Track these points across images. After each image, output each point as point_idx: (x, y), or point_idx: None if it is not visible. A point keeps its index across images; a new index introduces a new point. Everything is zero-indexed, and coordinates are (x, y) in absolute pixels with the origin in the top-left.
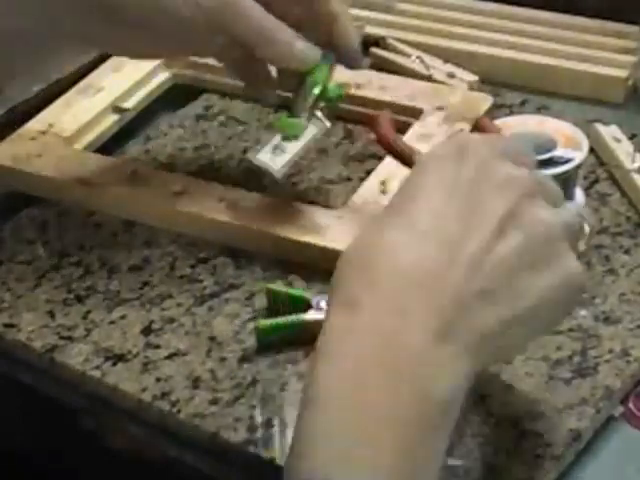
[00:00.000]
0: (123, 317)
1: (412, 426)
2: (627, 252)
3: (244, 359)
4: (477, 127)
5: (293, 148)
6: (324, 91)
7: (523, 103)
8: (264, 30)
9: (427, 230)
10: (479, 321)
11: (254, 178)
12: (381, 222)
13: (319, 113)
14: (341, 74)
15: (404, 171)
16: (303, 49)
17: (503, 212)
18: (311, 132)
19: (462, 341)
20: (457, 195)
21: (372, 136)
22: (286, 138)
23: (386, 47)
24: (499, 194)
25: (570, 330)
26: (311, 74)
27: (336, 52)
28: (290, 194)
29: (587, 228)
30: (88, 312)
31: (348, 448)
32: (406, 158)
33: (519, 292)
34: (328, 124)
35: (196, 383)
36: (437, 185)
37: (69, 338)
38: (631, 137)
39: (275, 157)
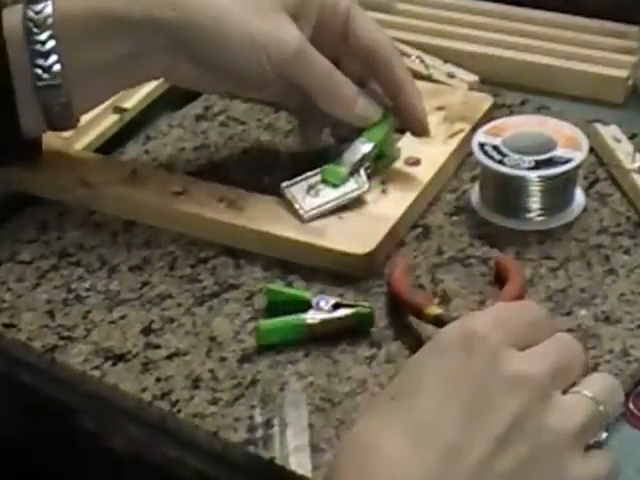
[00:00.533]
0: (123, 317)
1: None
2: (627, 252)
3: (244, 359)
4: (498, 268)
5: (326, 195)
6: (377, 150)
7: (523, 103)
8: (330, 84)
9: (427, 436)
10: None
11: (254, 178)
12: (381, 416)
13: (362, 171)
14: None
15: (404, 172)
16: (364, 107)
17: (509, 419)
18: (350, 187)
19: None
20: (462, 393)
21: None
22: (325, 181)
23: None
24: (506, 396)
25: (570, 330)
26: (367, 130)
27: (400, 119)
28: None
29: (612, 410)
30: (88, 312)
31: None
32: (415, 313)
33: None
34: (367, 186)
35: (196, 383)
36: (441, 380)
37: (69, 338)
38: (631, 137)
39: (307, 197)
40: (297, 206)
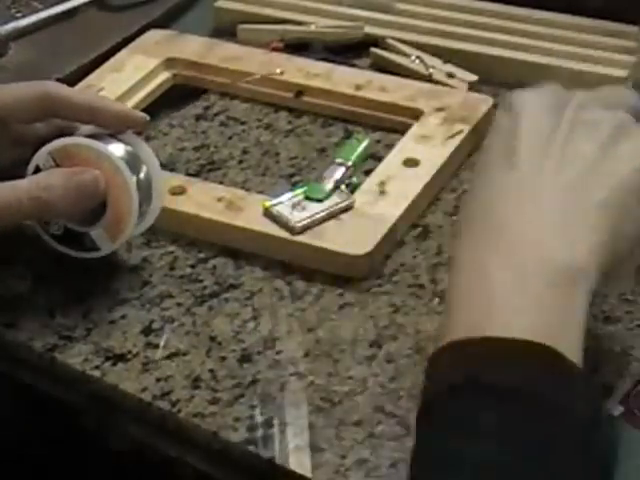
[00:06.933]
0: (123, 317)
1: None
2: None
3: (244, 359)
4: None
5: (313, 209)
6: (353, 168)
7: None
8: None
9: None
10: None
11: (254, 178)
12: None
13: (344, 187)
14: (341, 75)
15: (403, 173)
16: None
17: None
18: (334, 200)
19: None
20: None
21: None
22: (309, 198)
23: (386, 47)
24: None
25: None
26: (344, 151)
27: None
28: None
29: None
30: (88, 312)
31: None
32: None
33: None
34: (350, 200)
35: (196, 383)
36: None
37: (69, 338)
38: None
39: (294, 211)
40: (286, 220)
